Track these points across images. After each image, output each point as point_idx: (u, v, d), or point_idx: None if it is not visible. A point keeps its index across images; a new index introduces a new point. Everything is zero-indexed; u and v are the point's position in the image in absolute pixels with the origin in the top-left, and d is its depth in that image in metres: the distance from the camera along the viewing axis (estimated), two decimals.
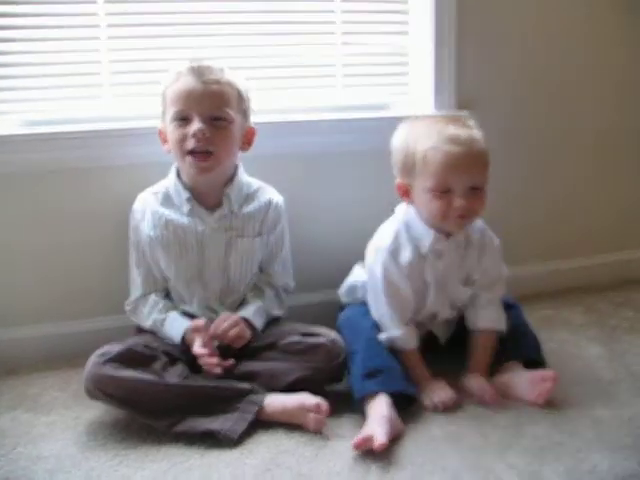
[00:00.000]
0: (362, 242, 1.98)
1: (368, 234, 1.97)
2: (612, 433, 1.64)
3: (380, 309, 1.89)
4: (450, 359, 1.94)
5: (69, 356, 2.03)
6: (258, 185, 1.98)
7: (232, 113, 1.84)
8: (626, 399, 1.80)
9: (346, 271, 2.09)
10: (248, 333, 1.82)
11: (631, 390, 1.85)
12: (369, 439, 1.57)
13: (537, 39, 2.41)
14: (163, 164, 1.94)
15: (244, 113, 1.91)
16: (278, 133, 2.18)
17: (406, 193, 1.85)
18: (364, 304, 1.95)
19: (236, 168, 1.94)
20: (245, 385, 1.74)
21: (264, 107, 2.18)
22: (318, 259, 2.23)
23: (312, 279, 2.19)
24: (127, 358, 1.72)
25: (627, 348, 2.10)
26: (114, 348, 1.73)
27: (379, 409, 1.66)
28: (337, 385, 1.83)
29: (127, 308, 1.94)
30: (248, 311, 1.87)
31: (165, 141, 1.90)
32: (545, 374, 1.77)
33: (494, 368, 1.88)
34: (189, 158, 1.82)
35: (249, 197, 1.95)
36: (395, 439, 1.63)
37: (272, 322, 1.93)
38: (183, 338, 1.81)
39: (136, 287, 1.95)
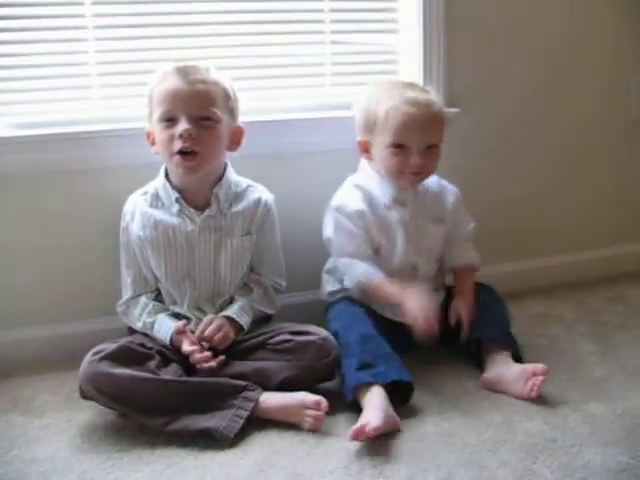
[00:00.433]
0: None
1: None
2: (604, 428, 1.65)
3: (339, 258, 2.00)
4: (444, 352, 2.00)
5: (62, 359, 2.02)
6: (247, 184, 1.98)
7: (219, 112, 1.84)
8: (618, 394, 1.81)
9: None
10: (232, 334, 1.82)
11: (623, 385, 1.86)
12: (364, 426, 1.58)
13: (526, 37, 2.42)
14: (157, 164, 1.93)
15: (231, 112, 1.91)
16: (267, 132, 2.18)
17: (366, 150, 2.00)
18: (352, 300, 1.96)
19: (225, 168, 1.94)
20: (240, 382, 1.75)
21: (253, 106, 2.18)
22: (309, 258, 2.21)
23: (301, 278, 2.17)
24: (122, 356, 1.72)
25: (618, 343, 2.11)
26: (109, 346, 1.73)
27: (374, 400, 1.66)
28: (329, 384, 1.83)
29: (119, 310, 1.94)
30: (233, 309, 1.87)
31: (153, 143, 1.89)
32: (536, 368, 1.78)
33: (481, 359, 1.91)
34: (176, 158, 1.81)
35: (238, 196, 1.94)
36: (391, 433, 1.63)
37: (262, 321, 1.93)
38: (171, 340, 1.81)
39: (127, 288, 1.94)
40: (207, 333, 1.79)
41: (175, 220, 1.89)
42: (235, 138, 1.94)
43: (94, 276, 2.10)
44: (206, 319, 1.82)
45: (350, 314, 1.90)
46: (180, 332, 1.80)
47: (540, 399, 1.77)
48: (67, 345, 2.05)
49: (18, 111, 2.06)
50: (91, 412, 1.79)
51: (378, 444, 1.60)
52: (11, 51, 2.02)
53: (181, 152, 1.80)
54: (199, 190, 1.90)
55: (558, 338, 2.17)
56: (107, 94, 2.11)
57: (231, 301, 1.93)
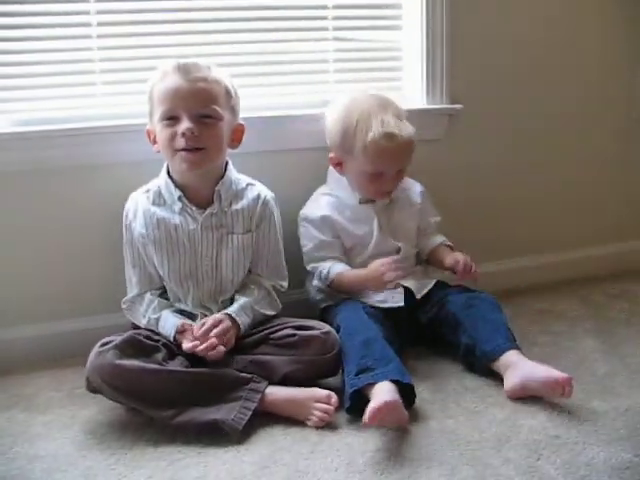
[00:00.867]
0: None
1: None
2: (608, 425, 1.64)
3: (309, 264, 2.09)
4: (431, 342, 2.03)
5: (64, 355, 2.03)
6: (247, 182, 1.98)
7: (220, 110, 1.84)
8: (622, 391, 1.81)
9: None
10: (233, 337, 1.82)
11: (626, 382, 1.85)
12: (378, 406, 1.57)
13: (529, 34, 2.41)
14: (160, 161, 1.93)
15: (232, 110, 1.91)
16: (269, 128, 2.18)
17: (339, 165, 2.08)
18: (356, 305, 1.97)
19: (226, 165, 1.94)
20: (245, 374, 1.75)
21: (256, 103, 2.18)
22: None
23: (300, 276, 2.16)
24: (130, 347, 1.72)
25: (622, 340, 2.11)
26: (117, 338, 1.74)
27: (381, 389, 1.65)
28: (331, 381, 1.83)
29: (123, 306, 1.94)
30: (233, 307, 1.86)
31: (154, 141, 1.89)
32: (558, 379, 1.73)
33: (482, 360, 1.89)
34: (180, 154, 1.82)
35: (238, 194, 1.94)
36: (398, 428, 1.63)
37: (265, 320, 1.92)
38: (175, 338, 1.81)
39: (132, 286, 1.94)
40: (214, 333, 1.76)
41: (177, 219, 1.89)
42: (236, 135, 1.94)
43: (95, 273, 2.10)
44: (212, 319, 1.81)
45: (354, 319, 1.89)
46: (181, 331, 1.81)
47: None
48: (68, 342, 2.05)
49: (21, 108, 2.06)
50: (95, 408, 1.79)
51: (381, 441, 1.60)
52: (15, 48, 2.02)
53: (184, 149, 1.81)
54: (201, 188, 1.90)
55: (561, 335, 2.16)
56: (111, 90, 2.11)
57: (233, 299, 1.92)
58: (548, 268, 2.58)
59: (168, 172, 1.92)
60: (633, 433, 1.61)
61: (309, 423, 1.69)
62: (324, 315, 2.04)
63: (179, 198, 1.88)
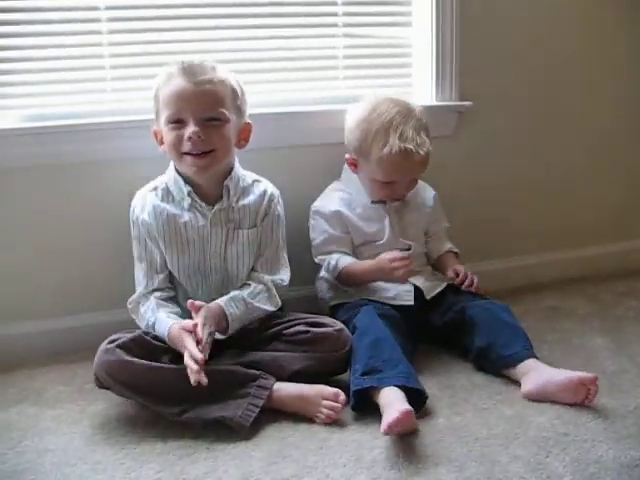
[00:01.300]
0: None
1: None
2: (617, 423, 1.64)
3: (317, 256, 2.11)
4: (445, 349, 2.02)
5: (73, 350, 2.03)
6: (253, 178, 1.97)
7: (227, 112, 1.83)
8: (630, 389, 1.80)
9: None
10: (215, 325, 1.75)
11: (635, 380, 1.85)
12: (393, 419, 1.55)
13: (540, 30, 2.41)
14: (168, 157, 1.92)
15: (239, 110, 1.89)
16: (279, 124, 2.18)
17: (354, 165, 2.11)
18: (370, 306, 1.95)
19: (232, 162, 1.93)
20: (254, 371, 1.75)
21: (265, 99, 2.18)
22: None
23: (304, 272, 2.15)
24: (137, 345, 1.73)
25: (631, 338, 2.11)
26: (125, 335, 1.75)
27: (389, 396, 1.65)
28: (342, 377, 1.82)
29: (129, 306, 1.91)
30: (223, 298, 1.82)
31: (161, 142, 1.88)
32: (583, 379, 1.71)
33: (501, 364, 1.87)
34: (187, 158, 1.82)
35: (246, 189, 1.94)
36: (408, 434, 1.62)
37: (275, 313, 1.91)
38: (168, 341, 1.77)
39: (139, 282, 1.92)
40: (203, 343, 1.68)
41: (187, 215, 1.88)
42: (243, 135, 1.93)
43: (105, 268, 2.11)
44: (199, 321, 1.71)
45: (366, 320, 1.88)
46: (174, 337, 1.73)
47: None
48: (77, 337, 2.06)
49: (31, 103, 2.06)
50: (104, 403, 1.80)
51: (389, 437, 1.60)
52: (24, 44, 2.03)
53: (191, 153, 1.81)
54: (210, 185, 1.90)
55: (570, 333, 2.16)
56: (121, 86, 2.11)
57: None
58: (556, 266, 2.58)
59: (176, 168, 1.91)
60: None
61: (317, 420, 1.69)
62: (333, 313, 2.04)
63: (189, 194, 1.88)
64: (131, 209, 1.93)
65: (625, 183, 2.67)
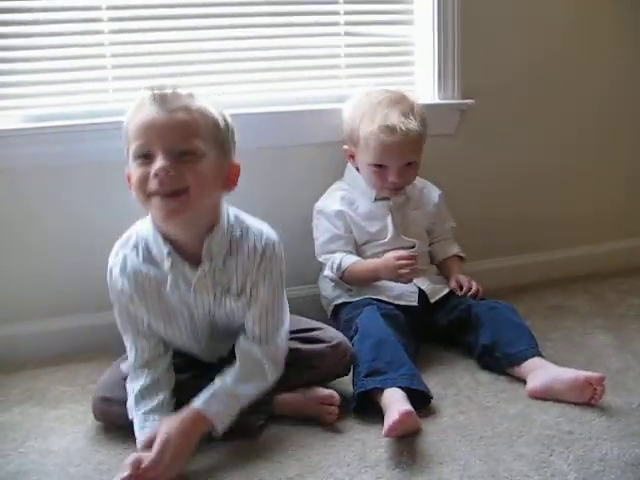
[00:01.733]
0: None
1: None
2: (621, 421, 1.64)
3: (320, 255, 2.11)
4: (449, 347, 2.02)
5: (77, 350, 2.04)
6: (245, 225, 1.68)
7: (202, 146, 1.54)
8: (634, 387, 1.80)
9: None
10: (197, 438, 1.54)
11: (639, 378, 1.85)
12: (394, 420, 1.55)
13: (541, 28, 2.41)
14: None
15: (222, 146, 1.60)
16: (280, 123, 2.18)
17: (352, 157, 2.12)
18: (373, 307, 1.95)
19: (217, 213, 1.63)
20: None
21: (267, 98, 2.18)
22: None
23: (298, 272, 2.15)
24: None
25: (634, 336, 2.10)
26: (117, 392, 1.66)
27: (391, 397, 1.64)
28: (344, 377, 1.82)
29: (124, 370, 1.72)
30: (201, 398, 1.57)
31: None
32: (590, 378, 1.70)
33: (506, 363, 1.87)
34: (154, 200, 1.53)
35: (233, 246, 1.65)
36: (412, 434, 1.61)
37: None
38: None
39: (128, 352, 1.70)
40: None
41: (169, 279, 1.62)
42: (230, 177, 1.64)
43: (104, 269, 2.09)
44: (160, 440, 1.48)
45: (369, 321, 1.88)
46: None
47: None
48: (81, 338, 2.06)
49: (32, 104, 2.06)
50: None
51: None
52: (26, 44, 2.03)
53: (158, 193, 1.52)
54: (188, 240, 1.61)
55: (573, 331, 2.15)
56: (123, 86, 2.11)
57: (232, 354, 1.69)
58: (559, 264, 2.58)
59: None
60: None
61: (321, 421, 1.68)
62: (338, 312, 2.05)
63: (168, 254, 1.60)
64: (108, 269, 1.69)
65: (627, 181, 2.67)
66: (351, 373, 1.79)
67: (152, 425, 1.56)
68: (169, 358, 1.71)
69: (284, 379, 1.69)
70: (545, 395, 1.74)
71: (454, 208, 2.25)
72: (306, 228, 2.14)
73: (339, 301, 2.07)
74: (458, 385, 1.85)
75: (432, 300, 2.05)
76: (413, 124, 2.01)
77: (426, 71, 2.32)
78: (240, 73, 2.20)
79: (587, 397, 1.70)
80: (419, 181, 2.20)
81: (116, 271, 1.67)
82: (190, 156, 1.53)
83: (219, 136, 1.60)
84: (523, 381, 1.81)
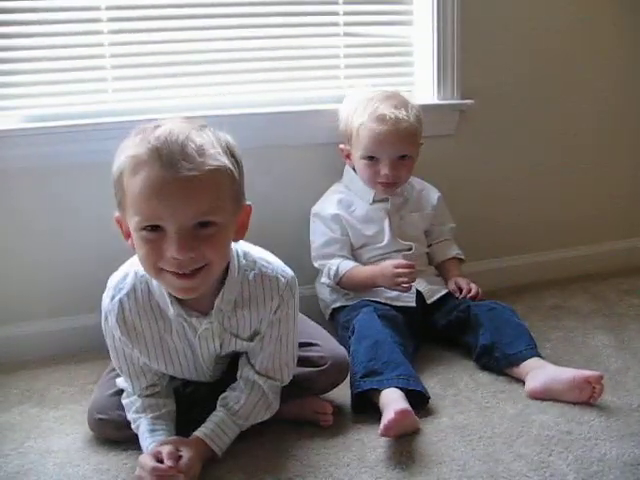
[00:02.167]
0: None
1: None
2: (620, 421, 1.64)
3: (317, 260, 2.10)
4: (448, 348, 2.02)
5: (76, 351, 2.04)
6: (259, 269, 1.54)
7: (222, 212, 1.37)
8: (634, 387, 1.80)
9: None
10: (199, 465, 1.48)
11: (638, 378, 1.85)
12: (389, 419, 1.55)
13: (540, 28, 2.41)
14: None
15: (237, 196, 1.42)
16: (280, 124, 2.18)
17: (348, 156, 2.12)
18: (370, 308, 1.95)
19: (226, 261, 1.49)
20: None
21: (266, 98, 2.18)
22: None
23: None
24: (124, 426, 1.60)
25: (634, 336, 2.10)
26: (111, 412, 1.62)
27: (389, 397, 1.64)
28: None
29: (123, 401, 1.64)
30: (206, 427, 1.53)
31: (128, 235, 1.43)
32: (589, 377, 1.70)
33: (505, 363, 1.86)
34: (168, 276, 1.39)
35: (245, 291, 1.53)
36: (410, 434, 1.61)
37: None
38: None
39: (127, 387, 1.62)
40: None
41: (173, 328, 1.53)
42: (241, 224, 1.47)
43: (108, 268, 2.10)
44: (168, 453, 1.43)
45: (366, 322, 1.88)
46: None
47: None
48: (80, 338, 2.06)
49: (31, 104, 2.06)
50: None
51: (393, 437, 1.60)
52: (24, 44, 2.02)
53: (176, 274, 1.38)
54: (198, 298, 1.48)
55: (574, 331, 2.15)
56: (122, 86, 2.11)
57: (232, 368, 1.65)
58: (560, 265, 2.58)
59: None
60: None
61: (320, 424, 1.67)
62: (335, 315, 2.05)
63: (172, 304, 1.49)
64: (103, 314, 1.56)
65: (627, 181, 2.67)
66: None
67: (161, 435, 1.54)
68: (167, 379, 1.65)
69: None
70: (544, 395, 1.74)
71: (454, 208, 2.25)
72: (305, 228, 2.13)
73: (337, 304, 2.07)
74: (457, 385, 1.85)
75: (429, 301, 2.05)
76: (403, 114, 2.01)
77: (426, 71, 2.32)
78: (239, 74, 2.20)
79: (586, 396, 1.70)
80: (418, 183, 2.20)
81: (112, 319, 1.53)
82: (210, 228, 1.36)
83: (234, 188, 1.41)
84: (522, 381, 1.81)
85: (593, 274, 2.58)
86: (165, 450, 1.43)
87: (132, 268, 1.54)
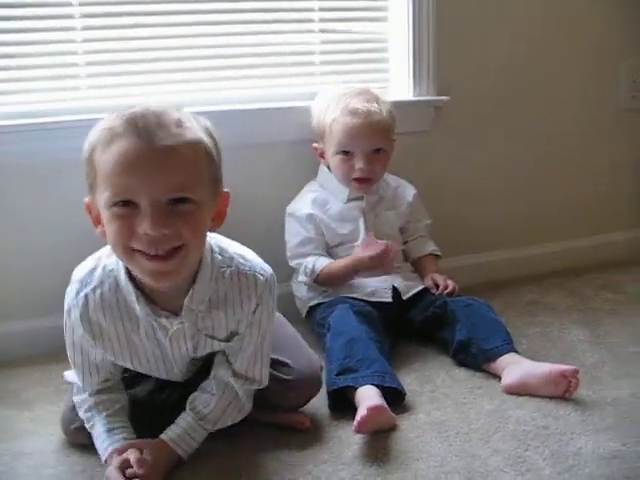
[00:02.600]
0: None
1: None
2: (595, 415, 1.65)
3: (292, 259, 2.10)
4: (424, 344, 2.03)
5: (52, 351, 2.00)
6: (235, 266, 1.46)
7: (200, 189, 1.29)
8: (609, 381, 1.81)
9: None
10: (165, 465, 1.45)
11: (614, 372, 1.86)
12: (362, 415, 1.55)
13: (517, 26, 2.42)
14: None
15: (215, 179, 1.35)
16: (255, 121, 2.17)
17: (322, 155, 2.12)
18: (346, 305, 1.94)
19: (200, 253, 1.40)
20: None
21: (241, 95, 2.17)
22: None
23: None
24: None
25: (609, 330, 2.11)
26: (82, 421, 1.55)
27: (365, 394, 1.64)
28: None
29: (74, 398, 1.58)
30: (174, 431, 1.49)
31: (97, 221, 1.35)
32: (564, 371, 1.71)
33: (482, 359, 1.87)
34: (141, 259, 1.29)
35: (221, 289, 1.45)
36: (387, 430, 1.61)
37: None
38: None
39: (78, 380, 1.55)
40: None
41: (142, 327, 1.45)
42: (219, 211, 1.40)
43: None
44: (135, 459, 1.39)
45: (341, 319, 1.87)
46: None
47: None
48: (55, 338, 2.01)
49: (2, 101, 2.03)
50: None
51: (370, 434, 1.59)
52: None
53: (149, 254, 1.29)
54: (168, 289, 1.40)
55: (549, 326, 2.16)
56: (96, 83, 2.09)
57: (204, 372, 1.58)
58: (536, 260, 2.59)
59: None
60: (621, 422, 1.61)
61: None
62: (312, 313, 2.04)
63: (137, 300, 1.40)
64: (66, 307, 1.47)
65: (604, 176, 2.68)
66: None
67: (120, 433, 1.49)
68: (120, 372, 1.57)
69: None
70: (520, 390, 1.75)
71: (429, 204, 2.25)
72: (278, 225, 2.12)
73: (314, 302, 2.06)
74: (434, 382, 1.85)
75: (405, 297, 2.05)
76: (376, 107, 2.02)
77: (401, 68, 2.32)
78: (213, 70, 2.19)
79: (561, 390, 1.71)
80: (394, 180, 2.20)
81: (75, 314, 1.44)
82: (186, 205, 1.28)
83: (212, 170, 1.34)
84: (499, 377, 1.81)
85: (569, 270, 2.59)
86: (132, 457, 1.39)
87: (100, 261, 1.46)
